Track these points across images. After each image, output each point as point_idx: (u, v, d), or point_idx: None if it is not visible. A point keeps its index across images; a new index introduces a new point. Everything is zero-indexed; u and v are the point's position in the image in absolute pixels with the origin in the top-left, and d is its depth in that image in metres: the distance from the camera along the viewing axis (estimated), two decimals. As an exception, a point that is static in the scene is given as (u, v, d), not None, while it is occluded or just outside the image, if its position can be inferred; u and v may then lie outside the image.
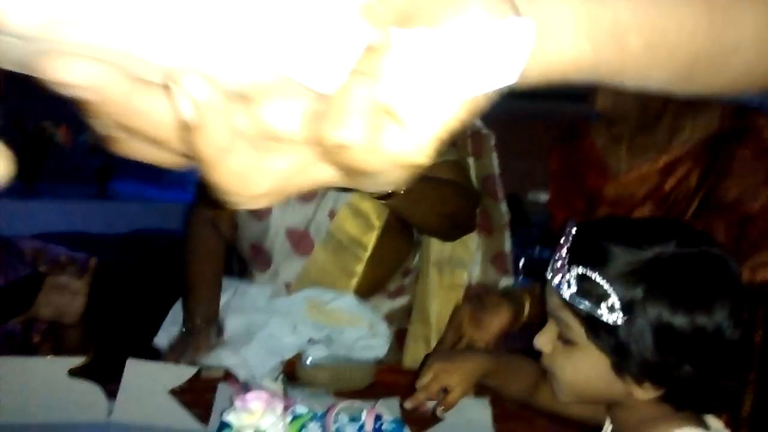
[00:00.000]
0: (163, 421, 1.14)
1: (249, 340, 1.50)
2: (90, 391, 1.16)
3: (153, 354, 1.53)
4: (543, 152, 1.89)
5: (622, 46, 0.35)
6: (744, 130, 1.46)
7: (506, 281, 1.78)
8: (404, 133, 0.31)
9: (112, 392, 1.18)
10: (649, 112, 1.51)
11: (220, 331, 1.58)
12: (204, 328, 1.57)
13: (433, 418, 1.20)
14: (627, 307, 0.76)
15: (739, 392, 0.85)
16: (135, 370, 1.21)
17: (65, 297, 1.33)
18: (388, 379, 1.46)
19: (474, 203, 1.64)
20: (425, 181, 1.42)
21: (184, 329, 1.58)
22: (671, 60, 0.38)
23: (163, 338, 1.57)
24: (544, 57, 0.33)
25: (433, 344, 1.76)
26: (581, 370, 0.84)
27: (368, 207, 1.62)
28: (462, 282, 1.78)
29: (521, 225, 3.81)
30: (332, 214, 1.63)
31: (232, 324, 1.56)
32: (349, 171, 0.31)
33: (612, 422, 0.91)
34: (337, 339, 1.51)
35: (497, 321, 1.47)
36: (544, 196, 3.57)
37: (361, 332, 1.53)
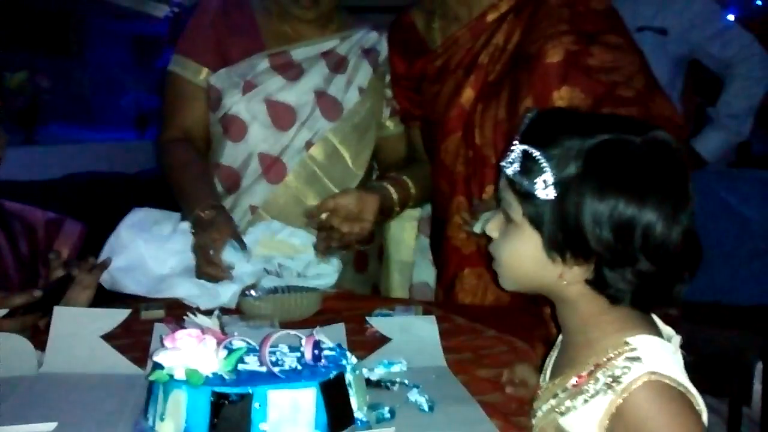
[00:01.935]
0: (97, 369, 1.09)
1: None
2: (17, 345, 1.10)
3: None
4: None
5: None
6: None
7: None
8: None
9: (41, 344, 1.12)
10: None
11: (229, 217, 1.53)
12: (213, 215, 1.49)
13: (380, 341, 1.18)
14: (560, 184, 0.79)
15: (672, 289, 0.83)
16: (64, 318, 1.15)
17: (76, 291, 1.36)
18: (336, 307, 1.42)
19: None
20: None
21: (193, 231, 1.50)
22: None
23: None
24: None
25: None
26: (517, 249, 0.86)
27: (345, 151, 1.67)
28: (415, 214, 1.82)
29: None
30: (308, 145, 1.65)
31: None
32: None
33: (561, 328, 0.91)
34: (288, 266, 1.48)
35: (369, 209, 1.49)
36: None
37: (310, 258, 1.51)
